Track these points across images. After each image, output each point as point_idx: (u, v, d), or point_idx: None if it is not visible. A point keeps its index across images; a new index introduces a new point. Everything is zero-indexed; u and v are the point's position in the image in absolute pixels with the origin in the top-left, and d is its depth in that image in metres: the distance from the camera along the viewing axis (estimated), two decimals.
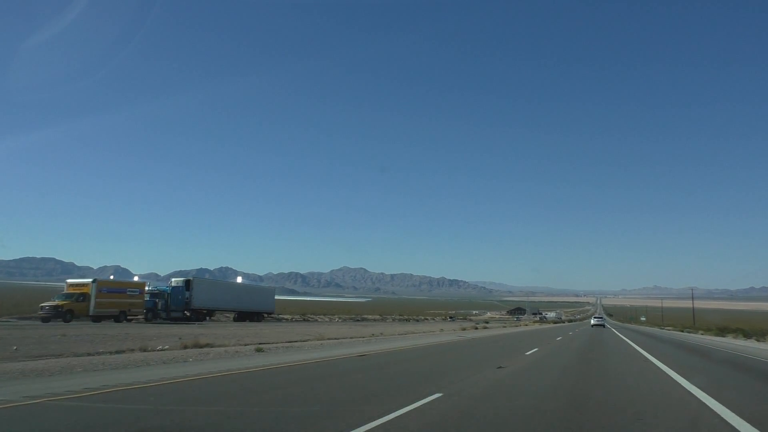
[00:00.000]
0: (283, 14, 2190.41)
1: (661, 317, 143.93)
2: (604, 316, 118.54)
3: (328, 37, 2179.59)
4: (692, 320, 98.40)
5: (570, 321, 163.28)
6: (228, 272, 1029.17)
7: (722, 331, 61.84)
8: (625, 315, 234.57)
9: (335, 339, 27.03)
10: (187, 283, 51.64)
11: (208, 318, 54.15)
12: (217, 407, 7.83)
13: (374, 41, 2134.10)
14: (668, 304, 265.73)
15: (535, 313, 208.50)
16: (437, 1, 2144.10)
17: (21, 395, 8.36)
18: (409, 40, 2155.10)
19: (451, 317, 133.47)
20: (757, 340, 44.07)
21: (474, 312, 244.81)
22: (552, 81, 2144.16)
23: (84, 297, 40.84)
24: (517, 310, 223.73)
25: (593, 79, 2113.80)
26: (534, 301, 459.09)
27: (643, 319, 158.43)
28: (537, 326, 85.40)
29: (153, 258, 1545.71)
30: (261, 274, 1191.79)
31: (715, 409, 8.59)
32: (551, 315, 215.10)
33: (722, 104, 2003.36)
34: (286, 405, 8.14)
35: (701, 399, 9.71)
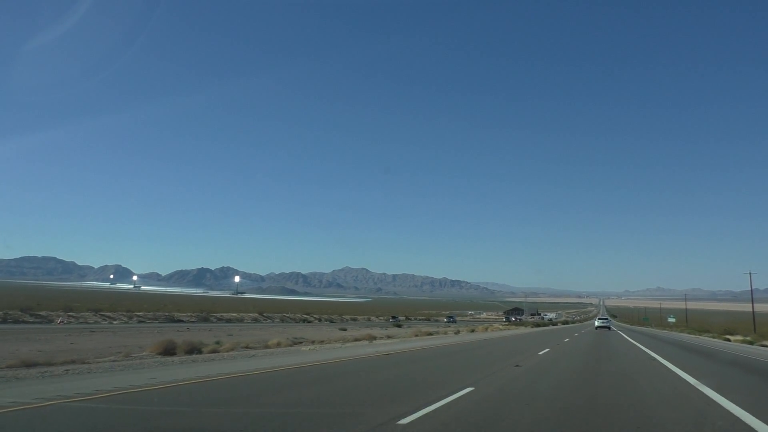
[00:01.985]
0: (284, 15, 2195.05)
1: (686, 320, 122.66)
2: (609, 318, 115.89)
3: (329, 38, 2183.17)
4: (752, 325, 73.81)
5: (565, 323, 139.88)
6: (229, 272, 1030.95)
7: None
8: (632, 316, 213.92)
9: None
10: None
11: None
12: None
13: (376, 42, 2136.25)
14: (671, 305, 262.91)
15: (533, 314, 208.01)
16: (439, 2, 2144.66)
17: None
18: (412, 41, 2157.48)
19: (394, 317, 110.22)
20: None
21: (470, 312, 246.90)
22: (552, 81, 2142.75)
23: None
24: (515, 311, 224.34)
25: (594, 79, 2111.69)
26: (536, 302, 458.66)
27: (672, 320, 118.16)
28: (500, 332, 52.10)
29: (154, 258, 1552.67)
30: (263, 274, 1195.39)
31: None
32: (550, 316, 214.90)
33: (724, 106, 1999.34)
34: None
35: None
